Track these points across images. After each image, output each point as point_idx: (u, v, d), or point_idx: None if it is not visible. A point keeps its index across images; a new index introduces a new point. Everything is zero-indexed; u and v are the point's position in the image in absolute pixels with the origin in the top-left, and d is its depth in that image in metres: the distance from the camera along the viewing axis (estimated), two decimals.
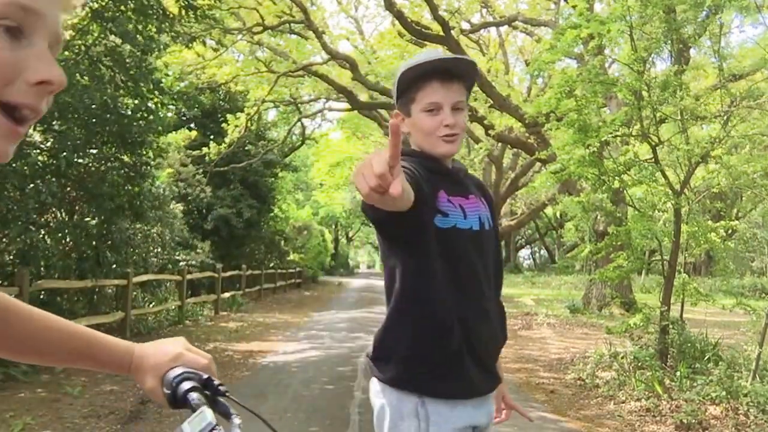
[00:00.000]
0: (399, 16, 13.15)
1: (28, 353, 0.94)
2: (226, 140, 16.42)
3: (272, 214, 20.98)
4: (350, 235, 58.92)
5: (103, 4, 7.32)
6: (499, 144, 19.05)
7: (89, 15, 7.32)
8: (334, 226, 47.53)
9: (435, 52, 1.71)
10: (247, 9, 15.00)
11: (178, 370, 0.92)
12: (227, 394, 0.92)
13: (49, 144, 7.42)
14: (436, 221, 1.57)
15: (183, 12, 8.22)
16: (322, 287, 29.23)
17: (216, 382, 0.93)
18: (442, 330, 1.56)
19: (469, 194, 1.67)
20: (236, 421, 0.88)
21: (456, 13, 14.32)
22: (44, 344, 0.92)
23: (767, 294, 21.36)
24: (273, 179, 20.37)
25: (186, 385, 0.90)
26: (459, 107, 1.62)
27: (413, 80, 1.61)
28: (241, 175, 17.85)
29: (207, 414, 0.84)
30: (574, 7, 6.97)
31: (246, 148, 17.89)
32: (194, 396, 0.88)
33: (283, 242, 24.38)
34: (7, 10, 0.62)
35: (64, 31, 0.71)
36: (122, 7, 7.39)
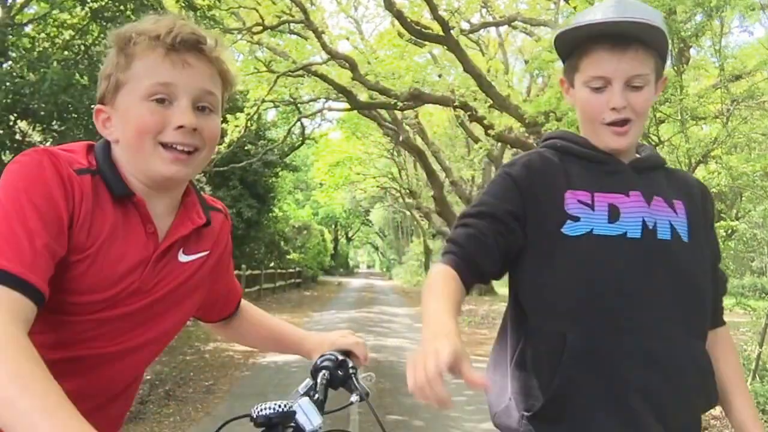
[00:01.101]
0: (399, 16, 13.14)
1: (251, 344, 1.44)
2: (226, 140, 16.40)
3: (272, 215, 20.98)
4: (350, 235, 58.92)
5: (103, 3, 7.31)
6: (499, 144, 19.05)
7: (89, 15, 7.32)
8: (333, 226, 47.54)
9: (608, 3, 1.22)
10: (247, 9, 14.98)
11: (326, 354, 1.21)
12: (352, 374, 1.18)
13: (48, 144, 7.42)
14: (565, 229, 1.20)
15: (183, 12, 8.22)
16: (322, 287, 29.23)
17: (350, 363, 1.20)
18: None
19: (633, 191, 1.23)
20: (353, 398, 1.15)
21: (456, 13, 14.30)
22: (259, 340, 1.38)
23: (767, 294, 21.35)
24: (273, 179, 20.36)
25: (325, 363, 1.18)
26: (637, 84, 1.20)
27: (575, 42, 1.24)
28: (240, 175, 17.85)
29: (309, 381, 1.14)
30: (574, 7, 6.97)
31: (246, 148, 17.89)
32: (322, 372, 1.16)
33: (282, 242, 24.38)
34: (155, 89, 0.96)
35: (205, 85, 0.99)
36: (122, 7, 7.39)
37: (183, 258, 1.05)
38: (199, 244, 1.09)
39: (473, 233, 1.21)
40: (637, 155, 1.31)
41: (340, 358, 1.20)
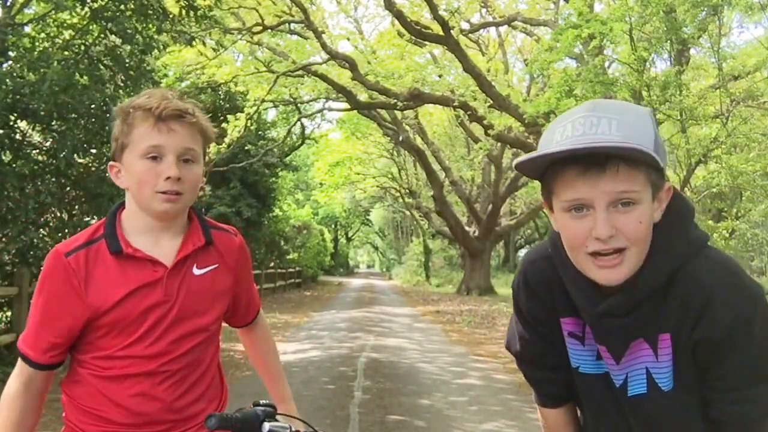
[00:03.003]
0: (399, 15, 13.15)
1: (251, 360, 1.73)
2: (226, 140, 16.41)
3: (272, 214, 20.98)
4: (350, 234, 58.91)
5: (103, 3, 7.31)
6: (499, 144, 19.05)
7: (89, 15, 7.31)
8: (333, 226, 47.54)
9: (571, 123, 1.02)
10: (247, 9, 14.99)
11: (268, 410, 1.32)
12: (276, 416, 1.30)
13: (48, 144, 7.42)
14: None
15: (183, 13, 8.21)
16: (322, 287, 29.23)
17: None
18: None
19: (600, 345, 1.12)
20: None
21: (456, 13, 14.31)
22: (252, 361, 1.71)
23: (767, 293, 21.36)
24: (273, 179, 20.36)
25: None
26: (626, 201, 0.99)
27: (543, 165, 1.04)
28: (240, 175, 17.86)
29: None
30: (575, 8, 6.97)
31: (246, 148, 17.89)
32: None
33: (282, 242, 24.38)
34: (149, 150, 1.26)
35: (168, 123, 1.28)
36: (122, 7, 7.38)
37: (197, 271, 1.37)
38: (208, 259, 1.39)
39: (535, 385, 1.31)
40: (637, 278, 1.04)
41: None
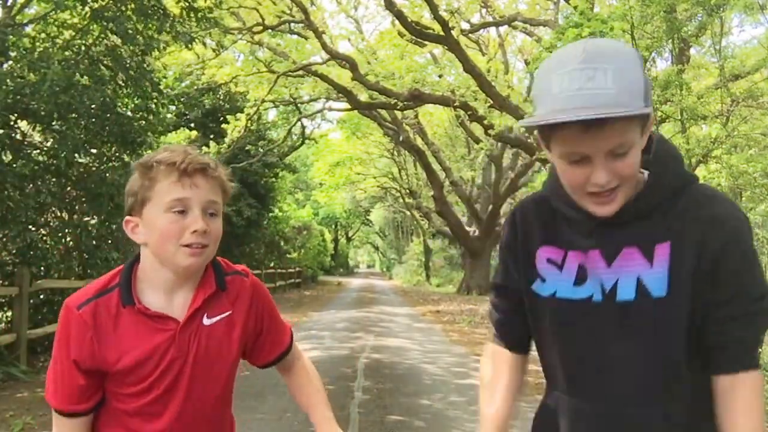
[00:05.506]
0: (399, 15, 13.15)
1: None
2: (226, 140, 16.43)
3: (272, 215, 20.98)
4: (350, 234, 58.93)
5: (104, 3, 7.31)
6: (499, 144, 19.05)
7: (90, 15, 7.31)
8: (333, 226, 47.55)
9: (574, 84, 1.05)
10: (247, 9, 14.99)
11: None
12: None
13: (49, 144, 7.42)
14: (534, 287, 1.24)
15: (184, 14, 8.22)
16: (322, 287, 29.24)
17: None
18: None
19: (592, 249, 1.16)
20: None
21: (456, 13, 14.30)
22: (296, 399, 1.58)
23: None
24: (273, 179, 20.36)
25: None
26: (621, 152, 1.06)
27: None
28: (240, 175, 17.86)
29: None
30: (575, 7, 6.97)
31: (246, 148, 17.90)
32: None
33: (282, 242, 24.39)
34: (174, 204, 1.25)
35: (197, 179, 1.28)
36: (122, 7, 7.38)
37: (207, 321, 1.35)
38: (219, 307, 1.37)
39: (497, 318, 1.37)
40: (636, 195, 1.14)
41: None
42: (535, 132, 1.18)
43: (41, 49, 7.26)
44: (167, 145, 1.40)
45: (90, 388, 1.30)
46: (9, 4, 7.65)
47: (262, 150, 18.67)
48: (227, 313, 1.37)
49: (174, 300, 1.32)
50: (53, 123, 7.16)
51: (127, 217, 1.32)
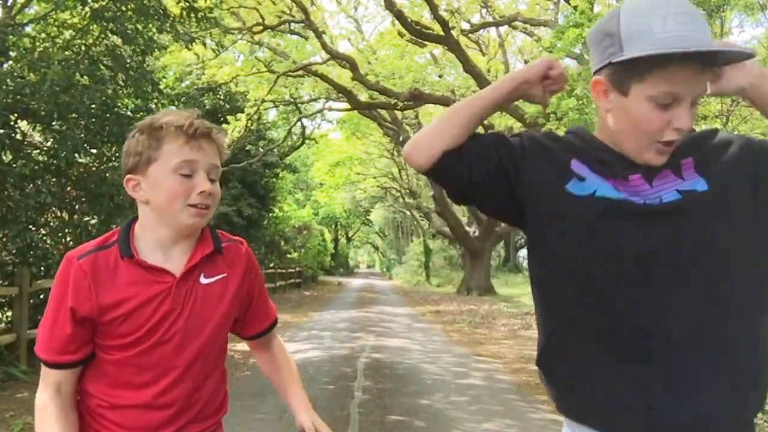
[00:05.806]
0: (399, 15, 13.14)
1: (265, 374, 1.65)
2: (226, 140, 16.38)
3: (272, 215, 20.97)
4: (350, 235, 58.91)
5: (104, 4, 7.31)
6: None
7: (90, 15, 7.31)
8: (333, 226, 47.53)
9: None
10: (247, 9, 14.99)
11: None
12: None
13: (49, 144, 7.42)
14: (570, 186, 1.16)
15: (184, 14, 8.22)
16: (322, 287, 29.25)
17: None
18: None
19: (633, 175, 1.14)
20: None
21: (456, 13, 14.30)
22: (268, 375, 1.63)
23: None
24: (273, 179, 20.35)
25: None
26: (695, 102, 1.11)
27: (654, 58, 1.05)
28: (240, 175, 17.87)
29: None
30: (575, 7, 6.97)
31: (246, 148, 17.89)
32: None
33: (282, 242, 24.39)
34: (182, 165, 1.30)
35: None
36: (122, 7, 7.38)
37: (204, 280, 1.38)
38: (216, 269, 1.41)
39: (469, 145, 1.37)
40: None
41: None
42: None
43: (41, 49, 7.26)
44: (167, 110, 1.47)
45: (81, 338, 1.31)
46: (9, 4, 7.65)
47: (262, 150, 18.66)
48: (223, 275, 1.41)
49: (171, 257, 1.36)
50: (53, 123, 7.16)
51: (129, 176, 1.35)
